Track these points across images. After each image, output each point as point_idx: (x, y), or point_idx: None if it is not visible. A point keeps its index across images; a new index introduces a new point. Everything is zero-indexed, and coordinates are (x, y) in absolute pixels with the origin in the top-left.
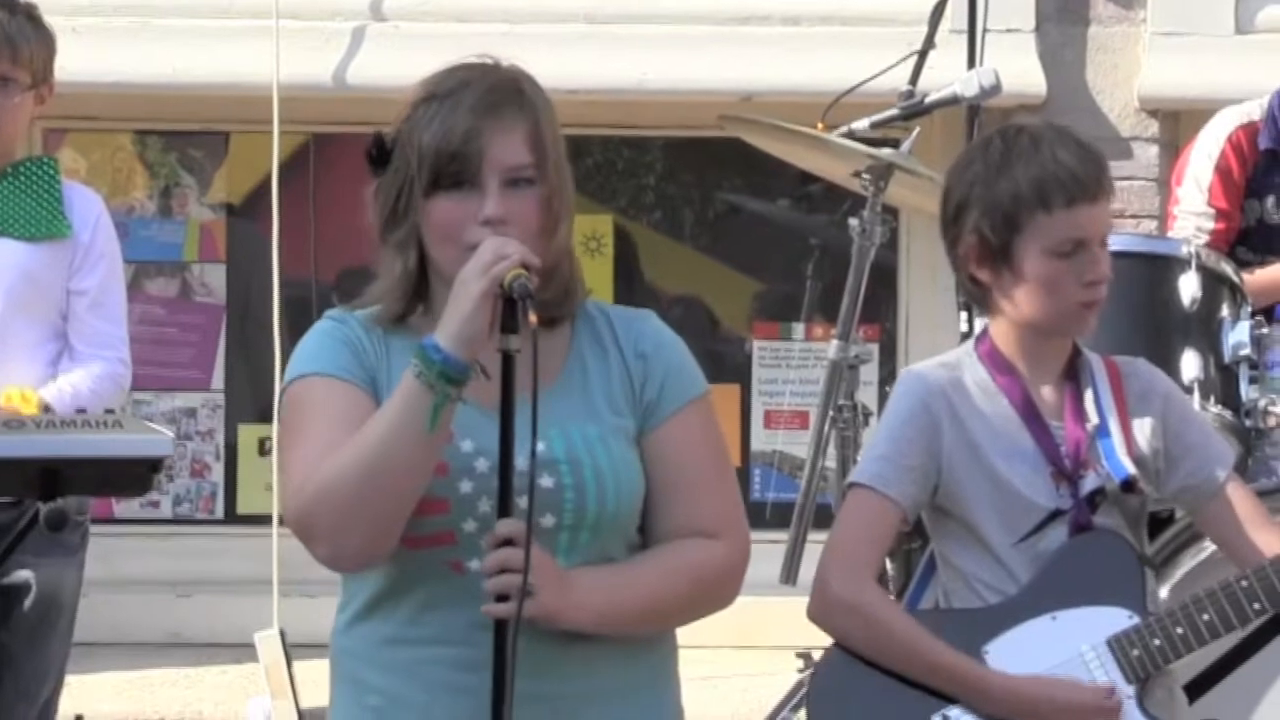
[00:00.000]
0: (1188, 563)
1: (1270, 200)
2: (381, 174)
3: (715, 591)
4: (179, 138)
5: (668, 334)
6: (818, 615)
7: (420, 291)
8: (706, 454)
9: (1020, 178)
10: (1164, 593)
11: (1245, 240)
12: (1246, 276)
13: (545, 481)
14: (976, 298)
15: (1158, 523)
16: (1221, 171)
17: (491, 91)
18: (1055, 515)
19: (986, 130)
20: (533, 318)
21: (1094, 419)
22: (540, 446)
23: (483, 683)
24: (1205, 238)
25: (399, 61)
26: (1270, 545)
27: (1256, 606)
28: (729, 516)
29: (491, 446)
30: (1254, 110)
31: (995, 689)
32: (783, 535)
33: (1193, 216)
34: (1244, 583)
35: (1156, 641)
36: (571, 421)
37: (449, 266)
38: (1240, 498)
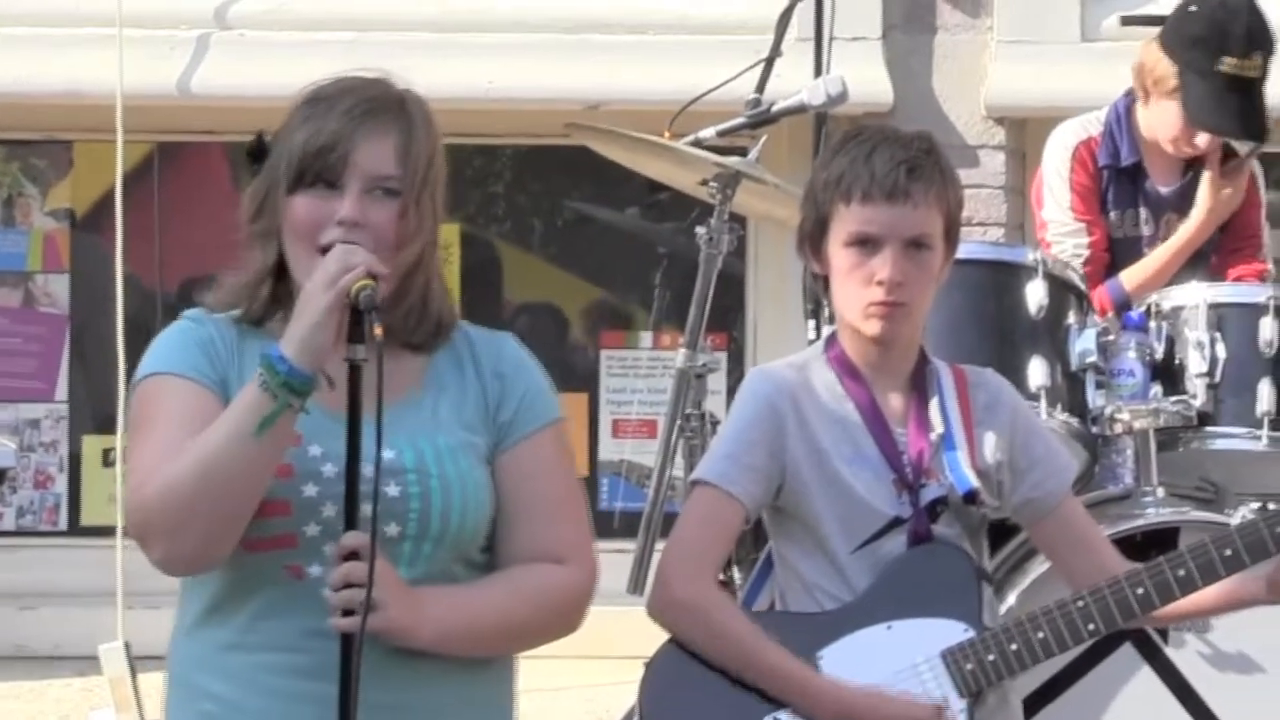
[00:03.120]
0: (1036, 570)
1: (1114, 215)
2: (257, 171)
3: (562, 617)
4: (21, 146)
5: (527, 357)
6: (657, 611)
7: (280, 295)
8: (559, 479)
9: (834, 169)
10: (1011, 599)
11: None
12: (1128, 274)
13: (391, 490)
14: (821, 295)
15: (1005, 530)
16: (1076, 186)
17: (371, 100)
18: (895, 523)
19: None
20: (378, 330)
21: (939, 428)
22: (389, 455)
23: (321, 690)
24: (1086, 253)
25: (244, 70)
26: (1102, 566)
27: (1091, 627)
28: (578, 543)
29: (339, 452)
30: (1091, 124)
31: (826, 697)
32: (630, 544)
33: (1066, 237)
34: (1080, 603)
35: (991, 657)
36: (422, 433)
37: (300, 266)
38: (1077, 515)
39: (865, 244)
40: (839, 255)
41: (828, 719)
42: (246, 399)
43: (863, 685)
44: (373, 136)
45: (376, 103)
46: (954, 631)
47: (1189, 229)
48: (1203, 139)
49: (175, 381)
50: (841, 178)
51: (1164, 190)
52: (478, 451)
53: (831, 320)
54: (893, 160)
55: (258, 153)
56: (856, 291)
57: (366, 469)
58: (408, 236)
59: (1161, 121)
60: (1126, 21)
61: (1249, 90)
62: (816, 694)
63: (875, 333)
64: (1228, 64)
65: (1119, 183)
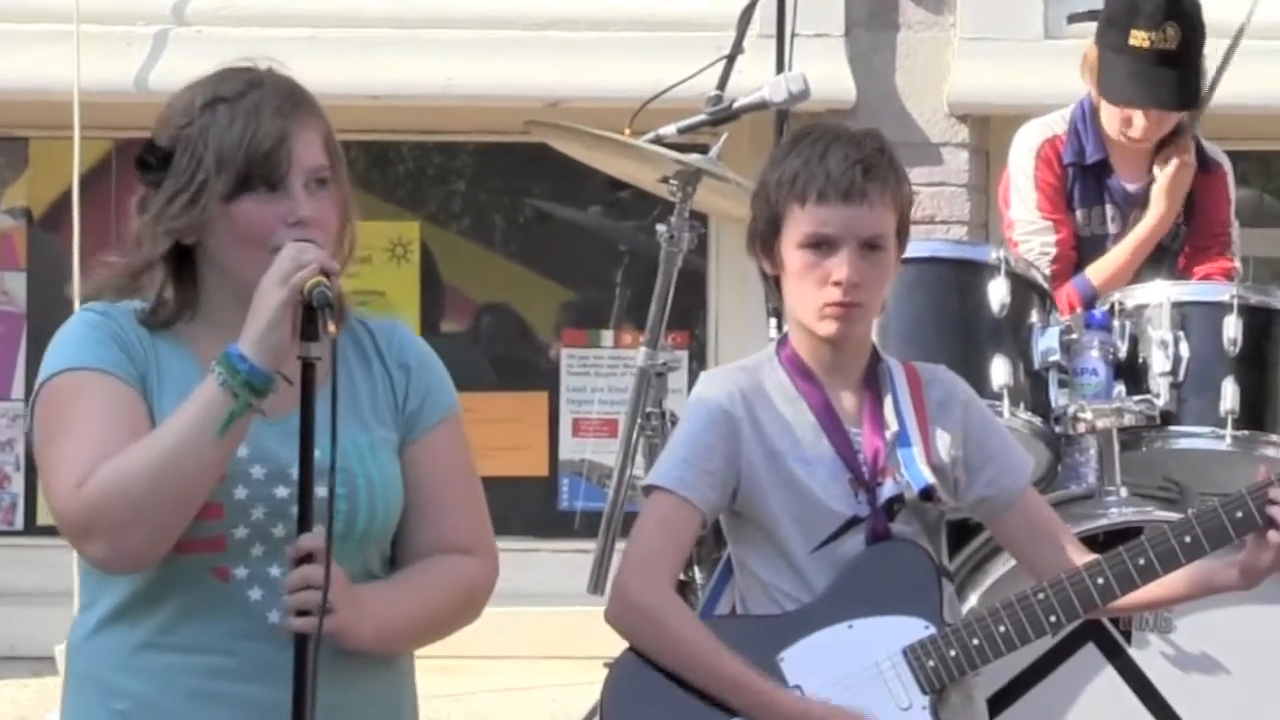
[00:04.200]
0: (998, 569)
1: (1080, 213)
2: (155, 181)
3: (474, 609)
4: None
5: (425, 346)
6: (615, 618)
7: (184, 298)
8: (461, 469)
9: (787, 168)
10: (973, 600)
11: None
12: (1094, 269)
13: (321, 491)
14: (772, 293)
15: (967, 530)
16: (1041, 185)
17: (289, 95)
18: (853, 523)
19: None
20: (331, 327)
21: (893, 426)
22: (317, 454)
23: (245, 693)
24: (1053, 251)
25: (202, 66)
26: (1065, 558)
27: (1053, 619)
28: (482, 533)
29: (266, 454)
30: (1056, 123)
31: (786, 708)
32: (590, 544)
33: (1033, 236)
34: (1040, 595)
35: (953, 652)
36: (344, 430)
37: (250, 270)
38: (1036, 509)
39: (820, 245)
40: (793, 256)
41: None
42: (204, 397)
43: (821, 700)
44: (304, 131)
45: (294, 96)
46: (915, 628)
47: (1150, 220)
48: (1139, 123)
49: (94, 376)
50: (795, 178)
51: (1130, 187)
52: (391, 445)
53: None
54: (847, 160)
55: (159, 161)
56: (812, 293)
57: (289, 471)
58: (346, 223)
59: (1103, 111)
60: (1073, 19)
61: (1171, 63)
62: (774, 705)
63: (830, 333)
64: (1137, 37)
65: (1084, 180)
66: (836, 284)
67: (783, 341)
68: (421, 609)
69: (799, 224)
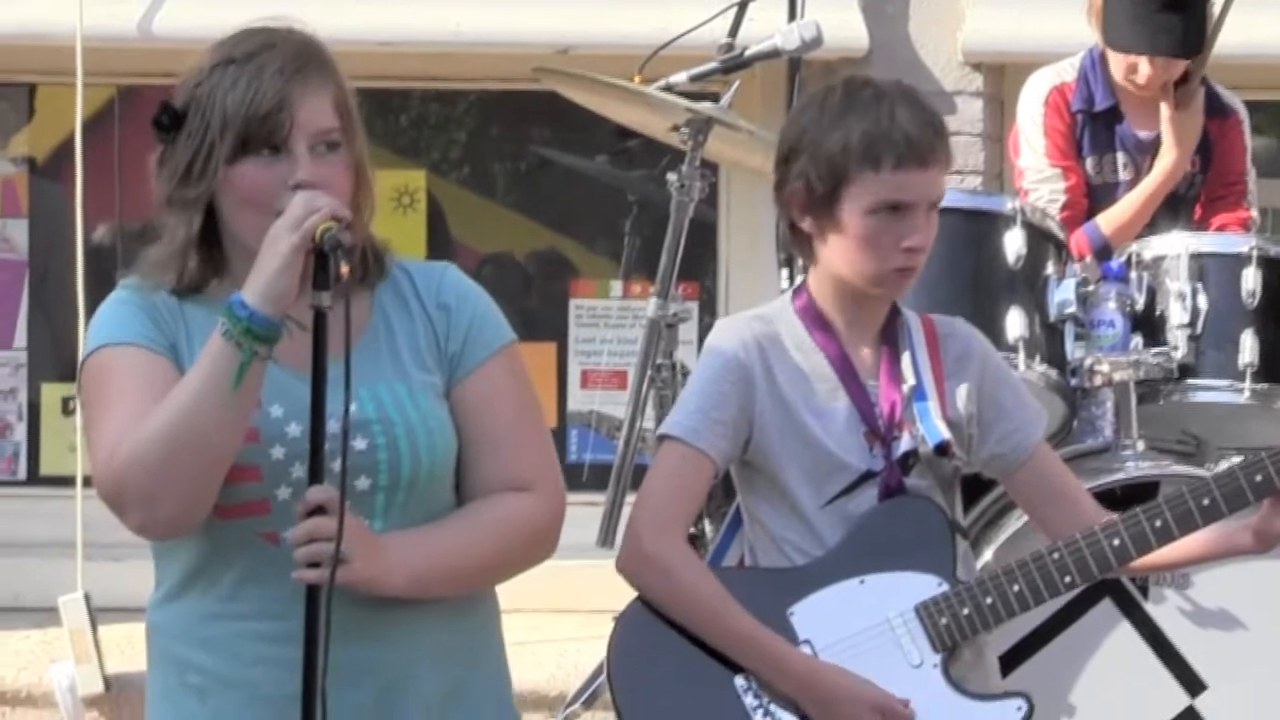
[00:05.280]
0: (1012, 525)
1: (1091, 161)
2: (169, 140)
3: (532, 545)
4: None
5: (469, 284)
6: (625, 566)
7: (212, 262)
8: (515, 404)
9: (853, 130)
10: (988, 555)
11: None
12: (1105, 217)
13: (358, 443)
14: (796, 246)
15: (981, 485)
16: (1050, 131)
17: (298, 55)
18: (867, 477)
19: (808, 85)
20: (344, 269)
21: (910, 380)
22: (351, 408)
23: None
24: (1063, 198)
25: (205, 13)
26: (1078, 516)
27: (1068, 579)
28: (541, 467)
29: (303, 410)
30: (1066, 71)
31: (795, 667)
32: (600, 497)
33: (1042, 184)
34: (1055, 555)
35: (965, 610)
36: (380, 381)
37: (253, 234)
38: (1050, 465)
39: (894, 209)
40: (860, 221)
41: (794, 689)
42: (210, 352)
43: (830, 664)
44: (310, 93)
45: (303, 57)
46: (928, 585)
47: (1161, 169)
48: (1144, 70)
49: (128, 350)
50: (870, 143)
51: (1142, 135)
52: (435, 389)
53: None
54: (919, 122)
55: (171, 121)
56: (879, 257)
57: (331, 424)
58: (365, 187)
59: (1110, 58)
60: None
61: (1174, 8)
62: (786, 663)
63: (891, 295)
64: None
65: (1094, 128)
66: (909, 249)
67: (798, 291)
68: (457, 550)
69: (871, 189)
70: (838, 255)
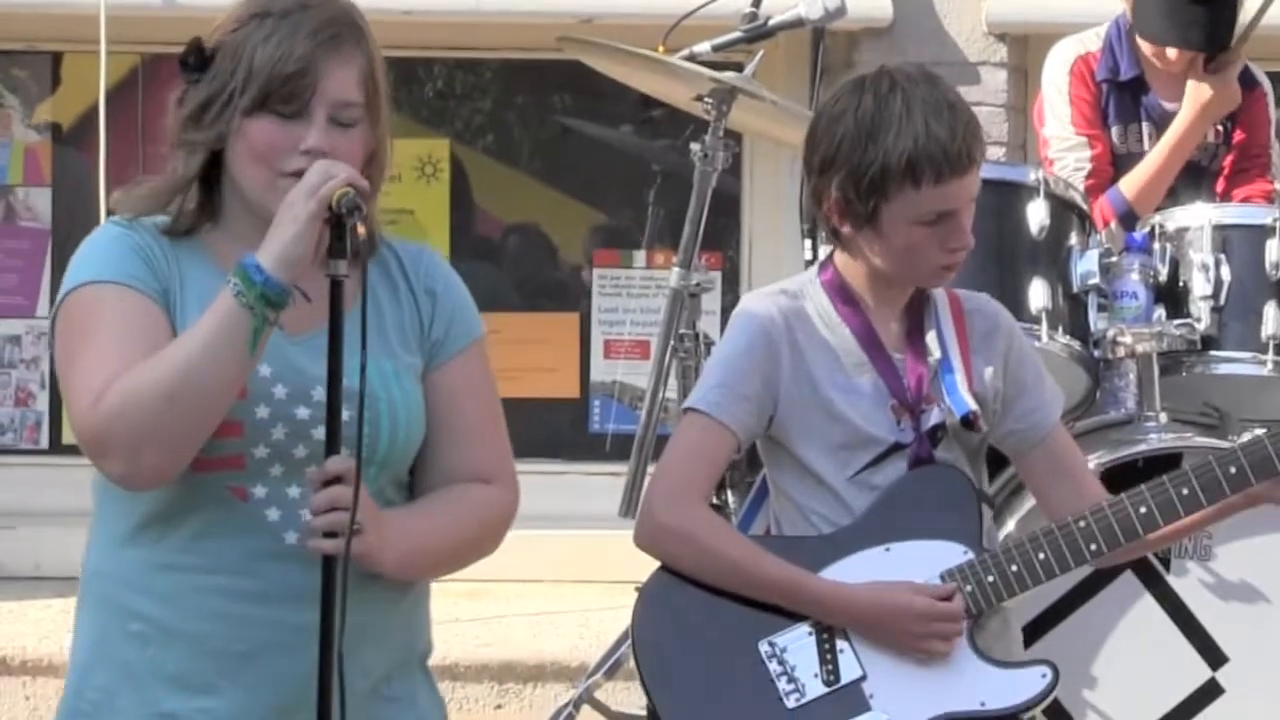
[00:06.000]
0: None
1: (1116, 130)
2: (195, 80)
3: (495, 537)
4: (3, 57)
5: (452, 272)
6: (642, 540)
7: (210, 206)
8: (484, 398)
9: (890, 149)
10: (1010, 525)
11: None
12: (1126, 181)
13: (342, 415)
14: (837, 241)
15: (1003, 458)
16: (1075, 100)
17: (333, 22)
18: (895, 449)
19: (832, 55)
20: (360, 229)
21: (936, 354)
22: (344, 380)
23: (263, 613)
24: (1088, 166)
25: None
26: (1083, 499)
27: (1093, 547)
28: (503, 461)
29: (289, 372)
30: (1090, 40)
31: (828, 599)
32: (622, 467)
33: (1067, 152)
34: (1081, 523)
35: (990, 578)
36: (369, 356)
37: (257, 189)
38: (1064, 446)
39: (938, 217)
40: (906, 231)
41: (841, 621)
42: (218, 311)
43: (866, 583)
44: (338, 63)
45: (339, 25)
46: (953, 553)
47: (1178, 127)
48: (1172, 54)
49: (114, 289)
50: (909, 163)
51: (1168, 106)
52: (415, 372)
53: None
54: (955, 129)
55: (197, 62)
56: (924, 261)
57: (311, 392)
58: (379, 168)
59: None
60: None
61: (1206, 1)
62: (819, 597)
63: (934, 287)
64: None
65: (1120, 97)
66: (954, 250)
67: (824, 265)
68: (443, 537)
69: (913, 204)
70: (881, 256)
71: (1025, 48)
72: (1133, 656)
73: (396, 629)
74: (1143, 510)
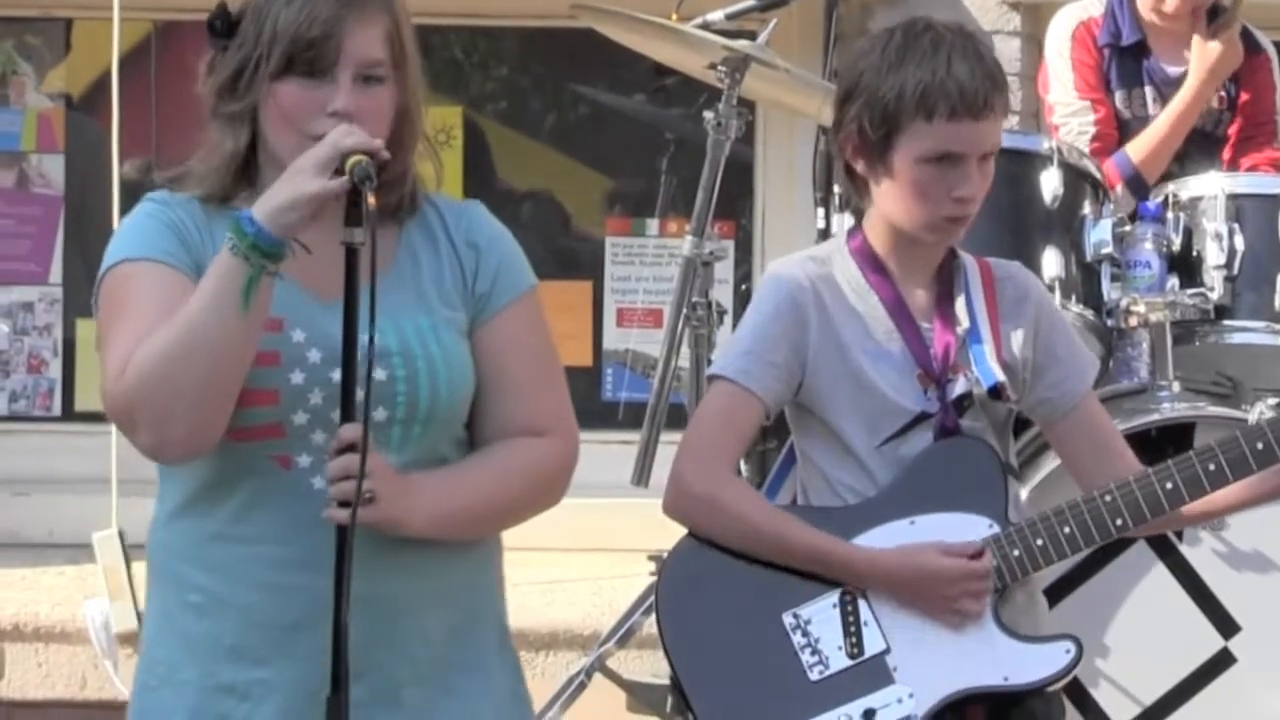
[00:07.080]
0: (1048, 465)
1: (1119, 95)
2: (223, 46)
3: (546, 492)
4: (16, 24)
5: (498, 225)
6: (673, 508)
7: (247, 172)
8: (536, 350)
9: (909, 79)
10: (1024, 494)
11: None
12: (1134, 145)
13: (378, 374)
14: (851, 187)
15: (1019, 424)
16: (1077, 65)
17: None
18: (921, 418)
19: (846, 22)
20: (371, 200)
21: (964, 323)
22: (375, 339)
23: (310, 582)
24: (1092, 129)
25: None
26: (1116, 470)
27: (1119, 522)
28: (558, 414)
29: (323, 337)
30: (1092, 6)
31: (860, 563)
32: (635, 436)
33: (1071, 117)
34: (1107, 497)
35: (1016, 552)
36: (403, 313)
37: (287, 153)
38: (1096, 416)
39: (945, 159)
40: (912, 168)
41: (871, 585)
42: (218, 267)
43: (896, 547)
44: (363, 23)
45: None
46: (978, 527)
47: (1186, 92)
48: (1170, 2)
49: (148, 266)
50: (923, 92)
51: (1171, 70)
52: (458, 327)
53: (841, 208)
54: (975, 73)
55: (224, 27)
56: (929, 205)
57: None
58: (410, 127)
59: None
60: None
61: None
62: (849, 559)
63: (941, 242)
64: None
65: (1122, 62)
66: (959, 200)
67: (853, 233)
68: (479, 494)
69: (923, 139)
70: (890, 200)
71: (1038, 16)
72: (1145, 626)
73: (459, 592)
74: (1169, 485)
